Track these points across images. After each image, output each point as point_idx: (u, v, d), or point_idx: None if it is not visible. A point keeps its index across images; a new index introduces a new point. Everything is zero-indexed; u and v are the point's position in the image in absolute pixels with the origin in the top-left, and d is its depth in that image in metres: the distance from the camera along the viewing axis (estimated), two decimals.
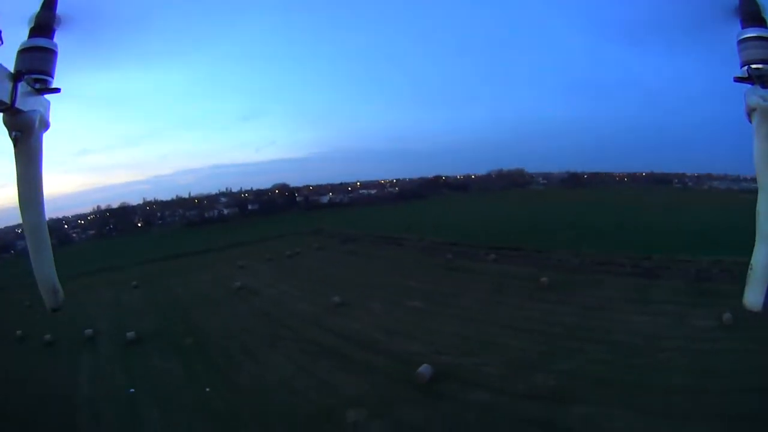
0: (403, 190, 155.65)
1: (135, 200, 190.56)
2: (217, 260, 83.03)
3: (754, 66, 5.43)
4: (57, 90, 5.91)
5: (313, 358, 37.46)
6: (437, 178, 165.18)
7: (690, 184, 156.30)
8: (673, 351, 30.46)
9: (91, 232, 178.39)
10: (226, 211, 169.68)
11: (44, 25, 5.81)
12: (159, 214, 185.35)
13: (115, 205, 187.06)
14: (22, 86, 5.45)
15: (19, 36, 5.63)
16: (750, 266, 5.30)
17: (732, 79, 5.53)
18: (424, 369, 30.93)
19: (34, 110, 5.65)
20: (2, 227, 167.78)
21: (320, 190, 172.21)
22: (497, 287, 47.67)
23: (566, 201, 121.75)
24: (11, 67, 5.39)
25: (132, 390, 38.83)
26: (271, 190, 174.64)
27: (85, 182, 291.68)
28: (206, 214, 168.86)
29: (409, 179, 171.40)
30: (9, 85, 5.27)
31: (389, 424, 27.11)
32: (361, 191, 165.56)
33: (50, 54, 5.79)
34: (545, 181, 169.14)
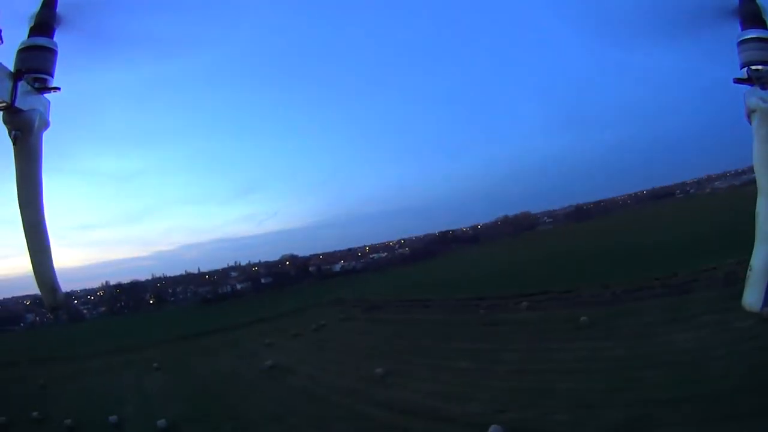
0: (414, 250, 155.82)
1: (141, 276, 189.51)
2: (240, 338, 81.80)
3: (754, 67, 5.48)
4: (57, 89, 5.96)
5: None
6: (445, 233, 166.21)
7: (692, 191, 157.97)
8: (725, 358, 30.56)
9: (102, 309, 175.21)
10: (239, 286, 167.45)
11: (44, 23, 5.85)
12: (170, 291, 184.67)
13: (122, 280, 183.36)
14: (21, 85, 5.50)
15: (18, 35, 5.67)
16: (749, 267, 5.40)
17: (732, 80, 5.58)
18: (494, 430, 30.11)
19: (34, 109, 5.71)
20: (9, 297, 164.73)
21: (330, 258, 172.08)
22: (539, 334, 47.16)
23: (576, 236, 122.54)
24: (11, 66, 5.46)
25: None
26: (281, 262, 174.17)
27: (88, 257, 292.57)
28: (219, 290, 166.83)
29: (416, 237, 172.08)
30: (9, 84, 5.33)
31: None
32: (371, 256, 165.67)
33: (50, 53, 5.84)
34: (551, 219, 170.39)
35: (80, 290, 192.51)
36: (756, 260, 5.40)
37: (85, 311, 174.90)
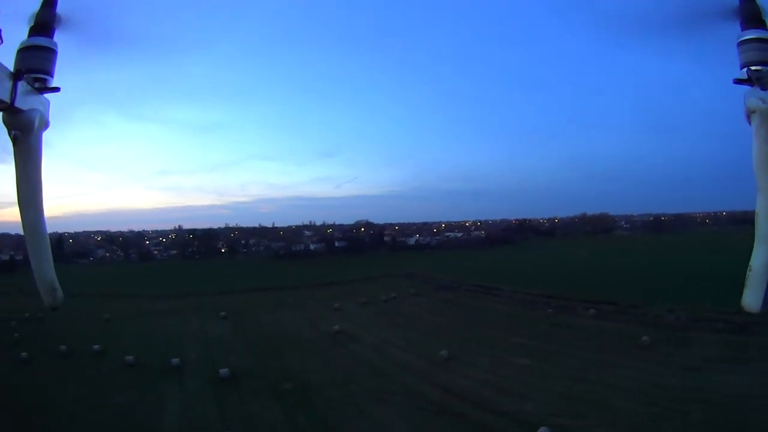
0: (489, 234, 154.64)
1: (214, 224, 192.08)
2: (309, 298, 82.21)
3: (753, 68, 5.43)
4: (57, 89, 5.87)
5: (427, 417, 36.79)
6: (522, 222, 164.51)
7: None
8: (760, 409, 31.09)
9: (173, 251, 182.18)
10: (312, 246, 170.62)
11: (44, 23, 5.80)
12: (243, 242, 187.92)
13: (195, 226, 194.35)
14: (21, 85, 5.46)
15: (19, 34, 5.59)
16: (749, 267, 5.45)
17: (732, 81, 5.47)
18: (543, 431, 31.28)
19: (34, 109, 5.64)
20: (81, 231, 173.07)
21: (405, 229, 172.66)
22: (601, 345, 47.46)
23: (652, 248, 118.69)
24: (11, 65, 5.39)
25: None
26: (355, 227, 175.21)
27: (163, 201, 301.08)
28: (293, 248, 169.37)
29: (492, 221, 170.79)
30: (9, 84, 5.30)
31: None
32: (447, 234, 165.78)
33: (50, 53, 5.78)
34: (628, 225, 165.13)
35: (152, 231, 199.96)
36: (755, 261, 5.48)
37: (155, 252, 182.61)
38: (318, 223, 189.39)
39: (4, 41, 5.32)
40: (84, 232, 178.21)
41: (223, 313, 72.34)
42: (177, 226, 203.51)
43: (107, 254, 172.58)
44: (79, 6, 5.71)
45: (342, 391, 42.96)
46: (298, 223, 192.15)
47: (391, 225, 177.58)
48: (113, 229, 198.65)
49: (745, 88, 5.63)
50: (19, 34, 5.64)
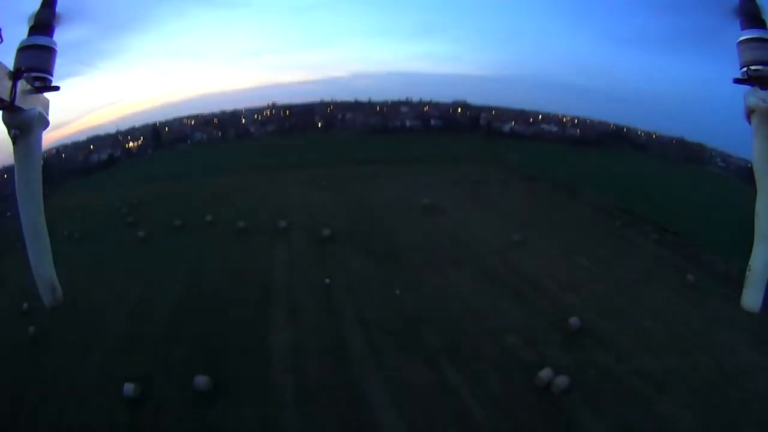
0: (585, 135, 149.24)
1: (309, 99, 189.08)
2: (403, 173, 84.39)
3: (753, 67, 5.27)
4: (56, 88, 5.86)
5: (490, 286, 44.07)
6: (620, 129, 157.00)
7: None
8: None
9: (270, 128, 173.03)
10: (408, 123, 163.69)
11: (44, 23, 5.70)
12: (339, 116, 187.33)
13: (290, 102, 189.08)
14: (21, 84, 5.23)
15: (19, 34, 5.42)
16: (748, 267, 5.27)
17: (732, 80, 5.64)
18: (574, 322, 37.97)
19: (34, 108, 5.54)
20: (172, 119, 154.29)
21: (501, 114, 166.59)
22: (651, 271, 49.62)
23: (743, 198, 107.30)
24: (11, 64, 5.09)
25: (327, 280, 43.49)
26: (452, 107, 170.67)
27: (258, 80, 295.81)
28: (389, 124, 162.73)
29: (590, 121, 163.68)
30: (8, 83, 5.03)
31: (536, 354, 34.42)
32: (542, 125, 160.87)
33: (50, 52, 5.76)
34: (723, 165, 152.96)
35: (245, 110, 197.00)
36: (755, 261, 5.32)
37: (252, 129, 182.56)
38: (415, 100, 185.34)
39: (4, 40, 4.94)
40: (176, 119, 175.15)
41: (323, 183, 76.14)
42: (271, 103, 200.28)
43: (204, 136, 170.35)
44: None
45: (424, 255, 50.21)
46: (395, 98, 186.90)
47: (488, 108, 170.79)
48: (206, 111, 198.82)
49: (745, 87, 5.53)
50: (19, 34, 5.28)
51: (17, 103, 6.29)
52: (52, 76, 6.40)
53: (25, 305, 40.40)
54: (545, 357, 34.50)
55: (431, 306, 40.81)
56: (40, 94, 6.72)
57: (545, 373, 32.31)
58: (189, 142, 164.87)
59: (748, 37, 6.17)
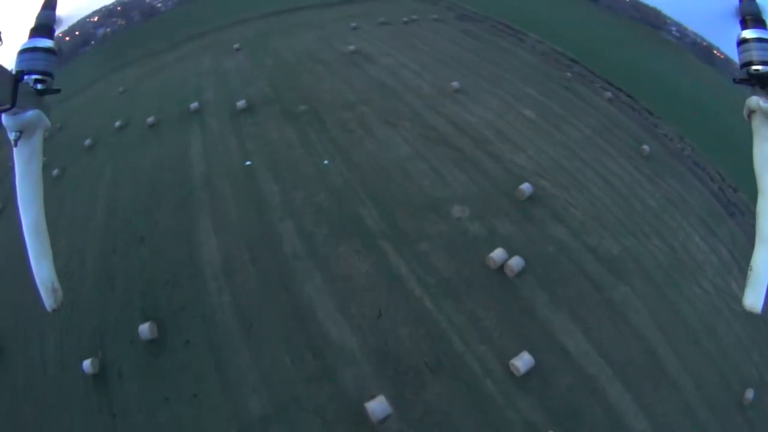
0: None
1: None
2: (325, 18, 75.94)
3: (754, 67, 5.33)
4: (57, 90, 5.72)
5: (429, 146, 39.59)
6: None
7: None
8: None
9: None
10: None
11: (45, 25, 5.68)
12: None
13: None
14: (22, 86, 5.35)
15: (18, 35, 5.46)
16: (750, 267, 5.34)
17: (732, 80, 5.54)
18: (526, 187, 34.41)
19: (35, 111, 5.55)
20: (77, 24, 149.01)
21: None
22: (603, 132, 46.75)
23: (698, 75, 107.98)
24: (11, 67, 5.26)
25: (249, 162, 39.71)
26: None
27: None
28: None
29: None
30: (9, 86, 5.17)
31: (486, 229, 31.33)
32: None
33: (51, 54, 5.63)
34: (678, 35, 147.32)
35: None
36: (756, 261, 5.41)
37: (159, 5, 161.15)
38: None
39: (3, 42, 5.18)
40: (78, 21, 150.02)
41: (235, 46, 67.52)
42: None
43: (107, 30, 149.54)
44: None
45: (353, 113, 44.73)
46: None
47: None
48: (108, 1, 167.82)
49: (746, 87, 5.57)
50: (19, 35, 5.44)
51: (18, 105, 5.47)
52: (53, 78, 5.89)
53: None
54: (495, 232, 31.20)
55: (364, 177, 36.44)
56: (41, 97, 5.94)
57: (498, 253, 28.89)
58: (93, 43, 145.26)
59: (749, 37, 5.46)
